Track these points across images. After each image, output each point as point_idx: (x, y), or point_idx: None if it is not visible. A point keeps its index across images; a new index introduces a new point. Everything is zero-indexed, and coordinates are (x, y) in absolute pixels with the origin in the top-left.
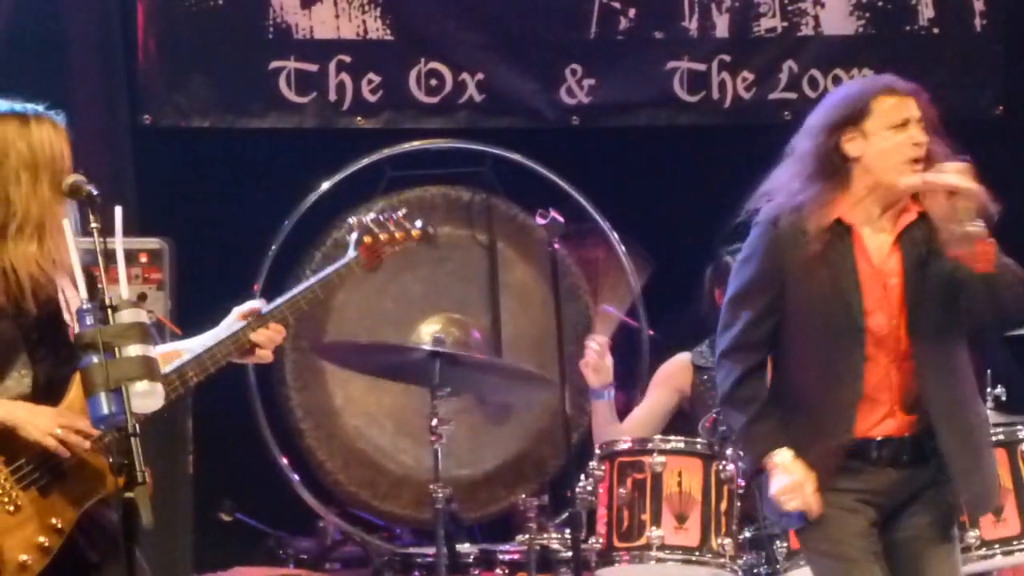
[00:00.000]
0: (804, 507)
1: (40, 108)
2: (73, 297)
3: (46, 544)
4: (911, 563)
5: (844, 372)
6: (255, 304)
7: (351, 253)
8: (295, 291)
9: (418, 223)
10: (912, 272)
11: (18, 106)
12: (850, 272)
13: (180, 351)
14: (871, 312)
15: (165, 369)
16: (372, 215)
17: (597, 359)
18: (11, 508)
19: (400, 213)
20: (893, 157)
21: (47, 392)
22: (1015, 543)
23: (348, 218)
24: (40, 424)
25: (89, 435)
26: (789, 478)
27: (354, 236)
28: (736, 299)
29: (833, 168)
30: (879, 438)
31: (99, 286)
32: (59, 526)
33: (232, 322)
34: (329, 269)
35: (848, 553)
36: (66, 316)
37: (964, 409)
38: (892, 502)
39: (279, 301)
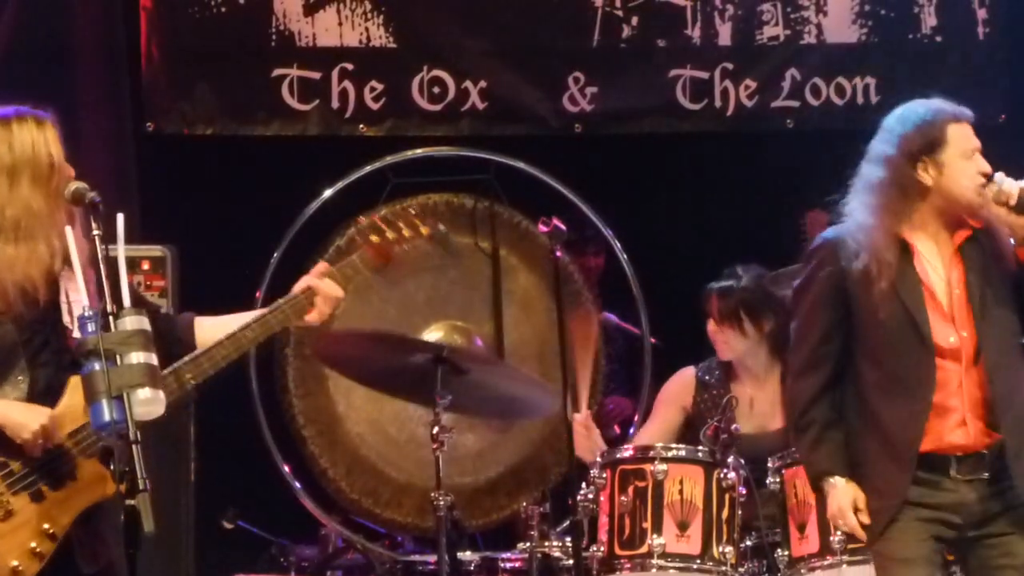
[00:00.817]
0: (851, 531)
1: (24, 108)
2: (76, 301)
3: (38, 550)
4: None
5: (914, 384)
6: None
7: (356, 254)
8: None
9: (428, 221)
10: (975, 282)
11: (1, 109)
12: (915, 286)
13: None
14: (938, 324)
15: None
16: (382, 212)
17: (584, 439)
18: (2, 514)
19: (411, 211)
20: (966, 185)
21: (45, 397)
22: None
23: (360, 216)
24: (32, 425)
25: (51, 449)
26: (840, 503)
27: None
28: (803, 319)
29: (903, 194)
30: (958, 454)
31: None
32: (52, 531)
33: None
34: (335, 266)
35: (904, 552)
36: (66, 319)
37: None
38: (970, 520)
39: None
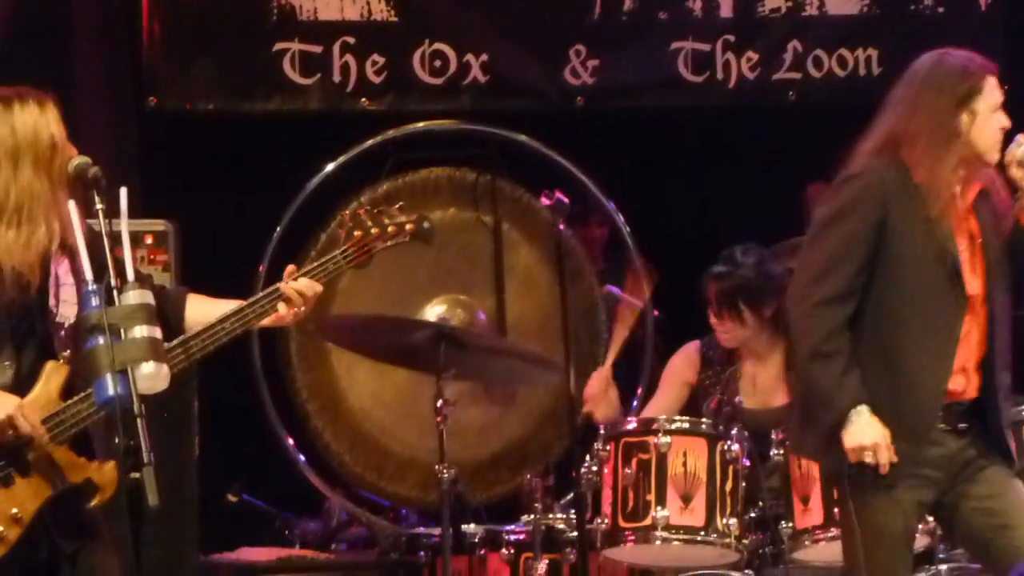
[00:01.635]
0: (882, 463)
1: (25, 89)
2: (65, 284)
3: (4, 533)
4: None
5: (942, 328)
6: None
7: (338, 250)
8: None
9: (413, 217)
10: (987, 235)
11: (2, 91)
12: (948, 231)
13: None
14: (965, 271)
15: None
16: (367, 208)
17: (598, 391)
18: None
19: (396, 206)
20: (990, 137)
21: (29, 384)
22: None
23: (344, 211)
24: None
25: (35, 436)
26: (875, 434)
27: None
28: (836, 250)
29: (949, 139)
30: (948, 401)
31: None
32: (19, 516)
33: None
34: (315, 263)
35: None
36: (51, 302)
37: (1004, 370)
38: (950, 472)
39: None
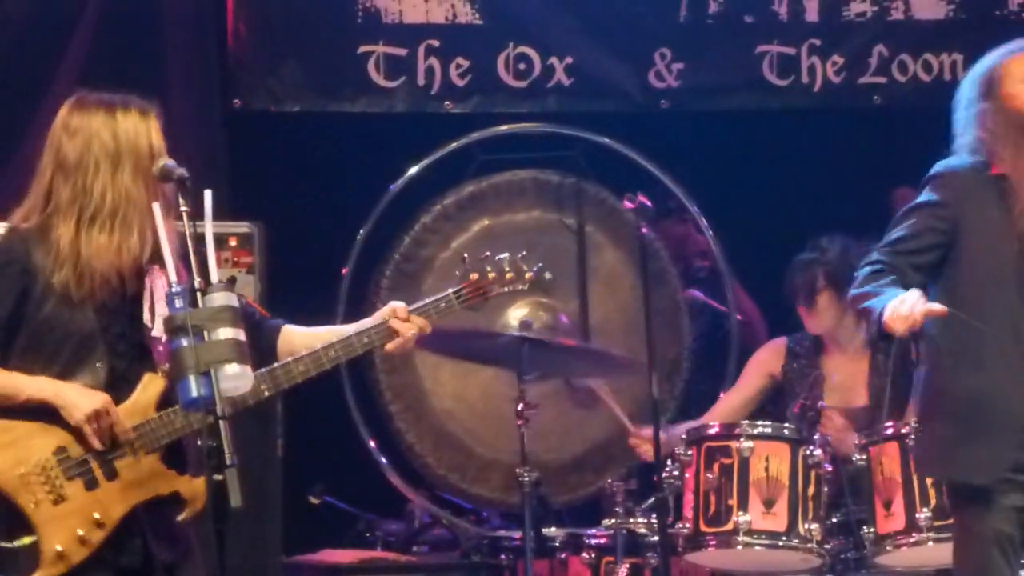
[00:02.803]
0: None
1: (130, 97)
2: (160, 299)
3: (85, 536)
4: None
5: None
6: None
7: (452, 289)
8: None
9: (535, 268)
10: None
11: (107, 96)
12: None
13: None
14: None
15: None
16: (488, 254)
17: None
18: (54, 497)
19: (519, 255)
20: None
21: (121, 387)
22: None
23: (464, 253)
24: (83, 407)
25: (121, 436)
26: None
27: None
28: (906, 233)
29: (1011, 127)
30: None
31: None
32: (101, 520)
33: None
34: (428, 300)
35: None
36: (146, 317)
37: None
38: None
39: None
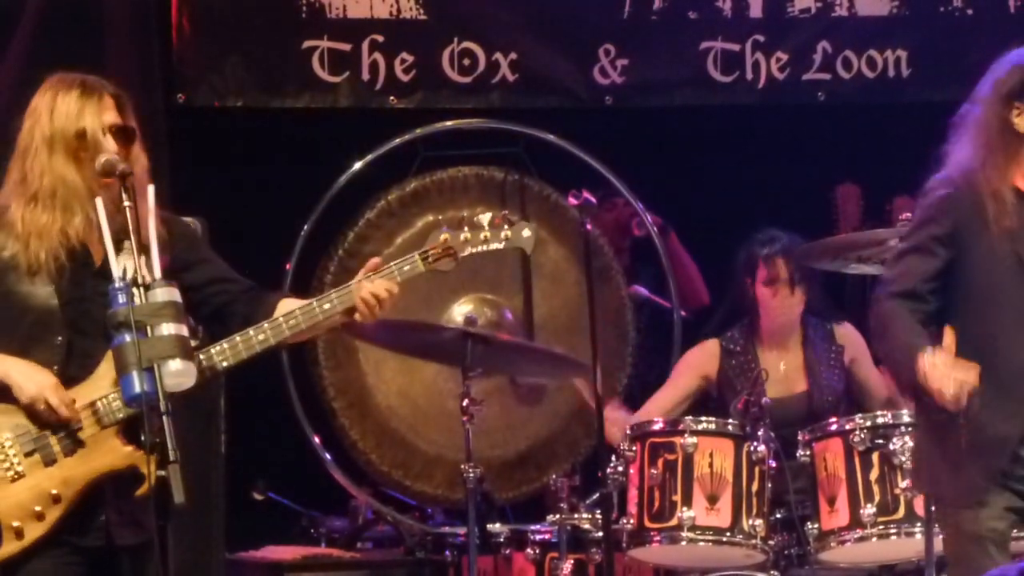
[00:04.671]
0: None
1: (84, 78)
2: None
3: (40, 512)
4: None
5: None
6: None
7: (419, 251)
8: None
9: (514, 224)
10: None
11: (67, 77)
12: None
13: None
14: None
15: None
16: (465, 214)
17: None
18: (11, 474)
19: (502, 212)
20: None
21: (83, 362)
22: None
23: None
24: (27, 389)
25: (67, 418)
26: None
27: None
28: (910, 252)
29: (1004, 139)
30: None
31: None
32: (58, 495)
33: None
34: (393, 262)
35: (989, 535)
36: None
37: None
38: None
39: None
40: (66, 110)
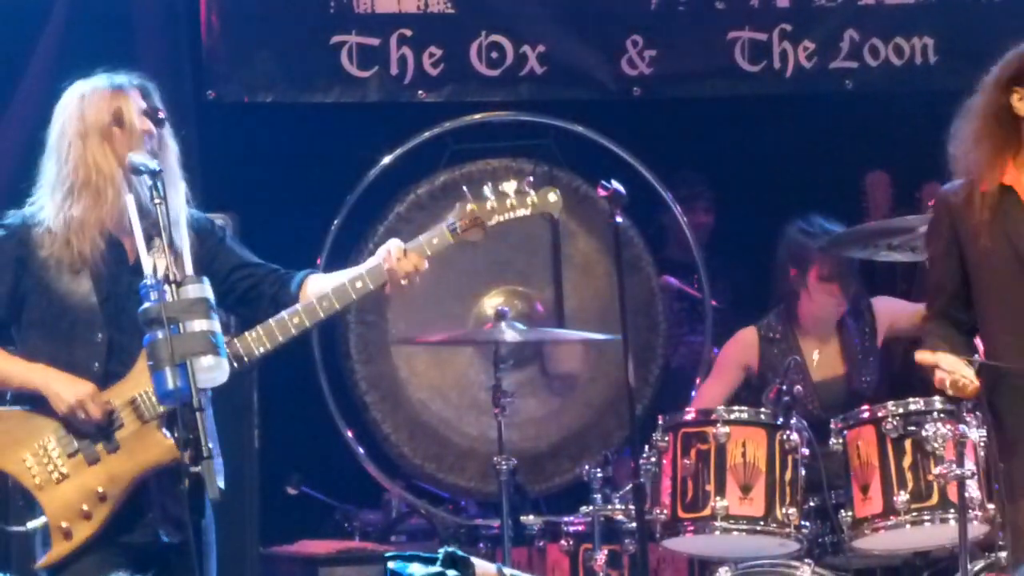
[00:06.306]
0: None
1: (111, 76)
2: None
3: (88, 511)
4: None
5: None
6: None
7: (446, 223)
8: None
9: (540, 190)
10: None
11: (93, 79)
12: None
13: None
14: None
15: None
16: (489, 183)
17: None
18: (56, 476)
19: (526, 179)
20: None
21: (123, 359)
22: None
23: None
24: (66, 398)
25: (103, 424)
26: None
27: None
28: (929, 264)
29: (1001, 126)
30: None
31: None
32: (104, 494)
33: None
34: (422, 236)
35: None
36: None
37: None
38: None
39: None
40: (96, 101)
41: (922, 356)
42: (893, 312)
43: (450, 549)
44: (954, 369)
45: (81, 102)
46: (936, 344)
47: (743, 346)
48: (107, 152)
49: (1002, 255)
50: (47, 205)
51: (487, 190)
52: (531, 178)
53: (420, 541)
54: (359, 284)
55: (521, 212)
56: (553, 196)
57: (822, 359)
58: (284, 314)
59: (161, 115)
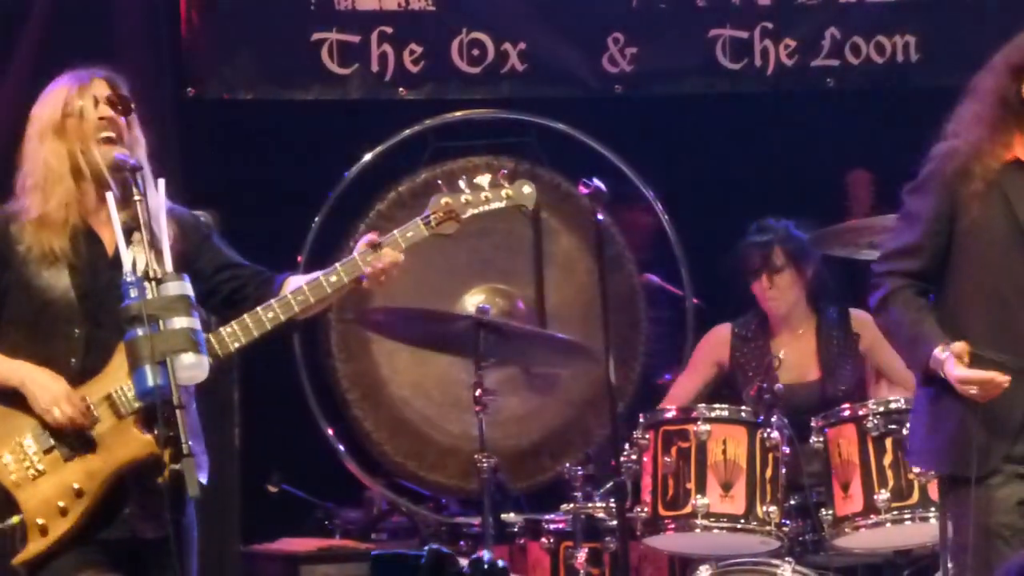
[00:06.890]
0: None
1: (74, 72)
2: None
3: (64, 507)
4: None
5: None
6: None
7: (420, 216)
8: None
9: (514, 184)
10: None
11: (60, 77)
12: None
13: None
14: None
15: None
16: (465, 176)
17: None
18: (32, 473)
19: (501, 172)
20: None
21: (100, 354)
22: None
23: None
24: (43, 398)
25: (81, 424)
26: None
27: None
28: (905, 221)
29: (1010, 110)
30: None
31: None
32: (80, 489)
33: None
34: (397, 229)
35: (999, 530)
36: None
37: None
38: None
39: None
40: (51, 98)
41: (965, 374)
42: (875, 338)
43: (435, 547)
44: (988, 381)
45: (41, 100)
46: (931, 327)
47: (715, 342)
48: (59, 148)
49: (999, 227)
50: (23, 200)
51: (462, 183)
52: (505, 171)
53: (401, 539)
54: (333, 278)
55: (495, 205)
56: (527, 188)
57: (794, 361)
58: (259, 309)
59: (126, 102)
